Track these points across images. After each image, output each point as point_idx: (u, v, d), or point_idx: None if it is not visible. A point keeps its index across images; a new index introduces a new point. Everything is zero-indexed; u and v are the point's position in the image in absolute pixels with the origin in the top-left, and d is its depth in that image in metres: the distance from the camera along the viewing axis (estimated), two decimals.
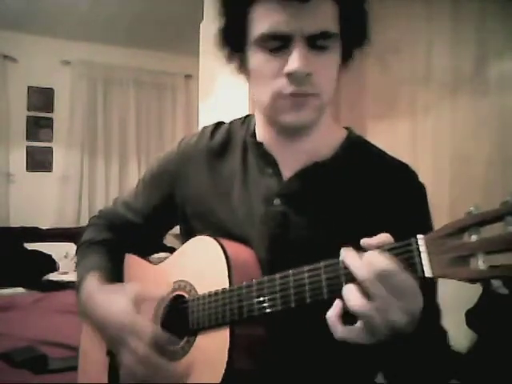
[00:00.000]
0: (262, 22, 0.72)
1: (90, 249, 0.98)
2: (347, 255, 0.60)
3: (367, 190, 0.79)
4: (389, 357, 0.69)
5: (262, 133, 0.86)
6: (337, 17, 0.73)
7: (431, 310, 0.63)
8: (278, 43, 0.71)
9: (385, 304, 0.56)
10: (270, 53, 0.72)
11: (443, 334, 0.78)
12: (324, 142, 0.83)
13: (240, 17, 0.74)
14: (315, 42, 0.71)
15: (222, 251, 0.76)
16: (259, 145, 0.85)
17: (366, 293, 0.58)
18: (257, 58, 0.75)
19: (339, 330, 0.59)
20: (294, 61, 0.70)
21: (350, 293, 0.59)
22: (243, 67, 0.79)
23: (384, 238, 0.60)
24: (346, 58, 0.79)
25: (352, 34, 0.76)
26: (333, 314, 0.60)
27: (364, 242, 0.60)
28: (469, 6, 2.55)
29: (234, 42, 0.78)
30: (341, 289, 0.61)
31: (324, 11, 0.71)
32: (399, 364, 0.69)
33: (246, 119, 0.92)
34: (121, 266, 0.98)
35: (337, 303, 0.61)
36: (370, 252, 0.58)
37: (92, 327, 0.89)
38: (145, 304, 0.82)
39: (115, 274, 0.94)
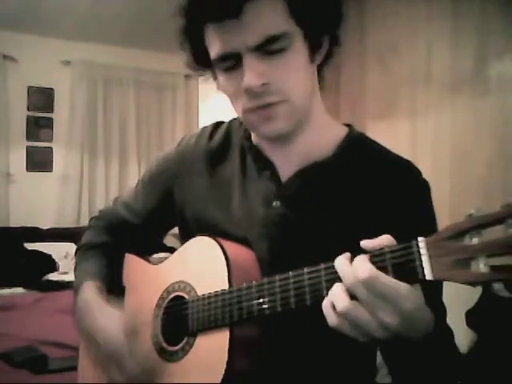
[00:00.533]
0: (211, 46, 0.72)
1: (89, 253, 0.98)
2: (338, 259, 0.60)
3: (369, 189, 0.78)
4: (394, 356, 0.68)
5: (255, 137, 0.85)
6: (286, 12, 0.69)
7: (437, 310, 0.63)
8: (231, 62, 0.71)
9: (371, 307, 0.56)
10: (227, 72, 0.73)
11: (449, 333, 0.76)
12: (322, 140, 0.81)
13: (199, 45, 0.75)
14: (266, 49, 0.69)
15: (221, 252, 0.76)
16: (254, 148, 0.84)
17: (353, 295, 0.58)
18: (220, 79, 0.76)
19: (333, 318, 0.59)
20: (246, 76, 0.69)
21: (337, 293, 0.59)
22: (219, 86, 0.80)
23: (385, 239, 0.59)
24: (316, 46, 0.75)
25: (312, 23, 0.71)
26: (327, 302, 0.60)
27: (364, 243, 0.59)
28: (469, 7, 2.55)
29: (205, 67, 0.79)
30: None
31: (264, 16, 0.68)
32: (406, 363, 0.69)
33: None
34: (120, 269, 0.98)
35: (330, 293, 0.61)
36: (358, 258, 0.58)
37: (84, 339, 0.90)
38: (138, 329, 0.83)
39: (113, 280, 0.94)
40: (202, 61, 0.77)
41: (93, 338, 0.83)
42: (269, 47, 0.69)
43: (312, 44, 0.74)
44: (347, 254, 0.60)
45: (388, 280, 0.56)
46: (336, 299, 0.58)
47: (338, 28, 0.76)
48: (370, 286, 0.56)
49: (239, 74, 0.70)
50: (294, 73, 0.72)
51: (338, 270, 0.59)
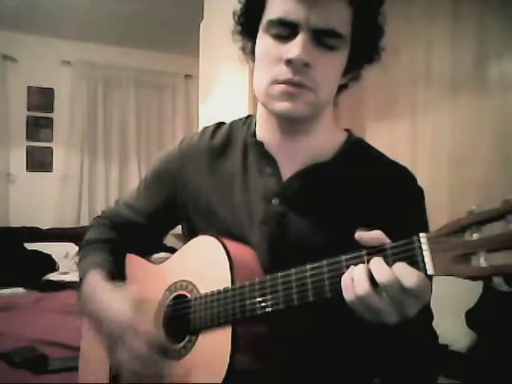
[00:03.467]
0: (275, 8, 0.73)
1: (93, 247, 0.98)
2: (374, 260, 0.60)
3: (366, 192, 0.80)
4: (382, 358, 0.71)
5: (262, 132, 0.86)
6: (349, 22, 0.73)
7: (424, 312, 0.64)
8: (285, 31, 0.72)
9: (398, 301, 0.58)
10: (275, 39, 0.74)
11: (434, 336, 0.79)
12: (324, 143, 0.83)
13: (259, 2, 0.76)
14: (321, 38, 0.72)
15: (224, 250, 0.76)
16: (259, 144, 0.85)
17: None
18: (263, 43, 0.76)
19: (350, 295, 0.60)
20: (295, 48, 0.71)
21: (359, 275, 0.59)
22: (253, 55, 0.81)
23: (376, 234, 0.61)
24: (352, 67, 0.79)
25: (362, 45, 0.76)
26: (348, 276, 0.61)
27: (358, 235, 0.61)
28: (469, 7, 2.55)
29: (249, 27, 0.79)
30: None
31: (336, 11, 0.71)
32: (391, 365, 0.71)
33: (247, 120, 0.92)
34: (123, 266, 0.98)
35: (352, 268, 0.61)
36: (400, 265, 0.58)
37: (91, 322, 0.90)
38: (145, 306, 0.82)
39: (118, 273, 0.94)
40: (250, 15, 0.78)
41: (99, 320, 0.83)
42: (324, 39, 0.72)
43: (353, 60, 0.77)
44: (380, 259, 0.60)
45: (425, 279, 0.57)
46: (357, 282, 0.59)
47: (373, 62, 0.80)
48: (408, 291, 0.57)
49: (287, 45, 0.72)
50: (332, 71, 0.76)
51: (377, 273, 0.59)
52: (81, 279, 0.93)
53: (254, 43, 0.79)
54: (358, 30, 0.74)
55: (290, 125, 0.80)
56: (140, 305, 0.80)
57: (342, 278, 0.61)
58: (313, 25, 0.70)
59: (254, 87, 0.81)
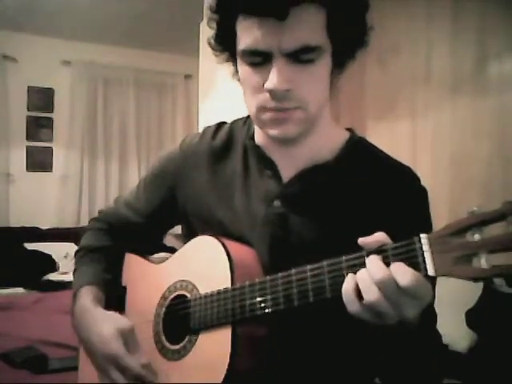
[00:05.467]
0: (243, 36, 0.71)
1: (87, 257, 0.98)
2: (370, 259, 0.60)
3: (368, 193, 0.79)
4: (383, 359, 0.70)
5: (260, 137, 0.86)
6: (324, 26, 0.70)
7: (428, 313, 0.64)
8: (259, 59, 0.71)
9: (397, 302, 0.58)
10: (251, 66, 0.73)
11: (438, 337, 0.79)
12: (324, 144, 0.83)
13: (227, 29, 0.74)
14: (297, 57, 0.69)
15: (224, 251, 0.76)
16: (258, 148, 0.85)
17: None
18: (242, 70, 0.75)
19: (355, 305, 0.59)
20: (272, 79, 0.69)
21: (364, 280, 0.59)
22: (236, 74, 0.80)
23: (380, 237, 0.61)
24: (340, 64, 0.77)
25: (343, 42, 0.74)
26: (349, 287, 0.60)
27: (361, 240, 0.61)
28: (469, 7, 2.55)
29: (226, 50, 0.79)
30: None
31: (306, 25, 0.68)
32: (392, 366, 0.71)
33: (248, 120, 0.92)
34: (119, 272, 0.99)
35: (352, 277, 0.61)
36: (395, 265, 0.58)
37: (81, 343, 0.90)
38: (133, 337, 0.82)
39: (112, 283, 0.95)
40: (224, 44, 0.77)
41: (90, 345, 0.84)
42: (301, 56, 0.70)
43: (337, 62, 0.76)
44: (379, 261, 0.60)
45: (425, 283, 0.57)
46: (365, 289, 0.59)
47: (360, 51, 0.77)
48: (406, 292, 0.57)
49: (264, 72, 0.71)
50: (316, 84, 0.74)
51: (372, 271, 0.58)
52: (73, 296, 0.93)
53: (235, 65, 0.79)
54: (335, 28, 0.71)
55: (286, 140, 0.80)
56: (128, 337, 0.81)
57: (344, 290, 0.60)
58: (285, 49, 0.69)
59: (247, 110, 0.81)
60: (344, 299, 0.60)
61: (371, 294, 0.58)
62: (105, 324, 0.82)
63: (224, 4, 0.74)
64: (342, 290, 0.61)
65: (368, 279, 0.58)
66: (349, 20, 0.72)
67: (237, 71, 0.79)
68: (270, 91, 0.70)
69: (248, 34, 0.70)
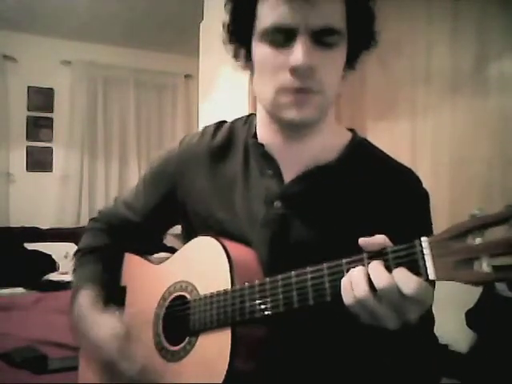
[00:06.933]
0: (267, 15, 0.71)
1: (86, 258, 0.98)
2: (373, 265, 0.59)
3: (369, 195, 0.78)
4: (381, 362, 0.70)
5: (263, 134, 0.85)
6: (344, 15, 0.72)
7: (426, 316, 0.64)
8: (283, 37, 0.70)
9: (398, 307, 0.57)
10: (274, 46, 0.72)
11: (435, 340, 0.79)
12: (327, 144, 0.82)
13: (247, 11, 0.74)
14: (320, 38, 0.70)
15: (224, 252, 0.76)
16: (260, 146, 0.84)
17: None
18: (261, 52, 0.74)
19: (349, 297, 0.60)
20: (298, 55, 0.69)
21: (358, 278, 0.59)
22: (248, 62, 0.79)
23: (381, 239, 0.60)
24: (352, 59, 0.78)
25: (359, 35, 0.75)
26: (347, 280, 0.60)
27: (362, 241, 0.60)
28: (469, 7, 2.54)
29: (241, 36, 0.77)
30: None
31: (330, 7, 0.70)
32: (389, 368, 0.71)
33: (248, 119, 0.91)
34: (118, 271, 0.98)
35: (352, 271, 0.61)
36: (399, 271, 0.57)
37: (82, 344, 0.91)
38: (133, 334, 0.83)
39: (111, 284, 0.95)
40: (241, 28, 0.76)
41: (87, 350, 0.85)
42: (324, 37, 0.70)
43: (350, 55, 0.76)
44: (380, 264, 0.60)
45: (425, 285, 0.56)
46: (356, 285, 0.59)
47: (370, 47, 0.79)
48: (408, 298, 0.56)
49: (286, 51, 0.70)
50: (335, 70, 0.74)
51: (375, 279, 0.58)
52: (72, 296, 0.93)
53: (247, 50, 0.78)
54: (353, 20, 0.73)
55: (295, 130, 0.79)
56: (128, 333, 0.81)
57: (342, 281, 0.61)
58: (311, 26, 0.69)
59: (258, 96, 0.79)
60: (341, 290, 0.60)
61: (360, 289, 0.58)
62: (100, 329, 0.83)
63: None
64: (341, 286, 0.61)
65: (360, 275, 0.59)
66: (364, 10, 0.74)
67: (247, 58, 0.78)
68: (295, 69, 0.70)
69: (273, 11, 0.70)
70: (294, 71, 0.70)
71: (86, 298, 0.89)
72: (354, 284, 0.59)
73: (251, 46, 0.76)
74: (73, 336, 0.91)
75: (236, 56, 0.80)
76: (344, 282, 0.61)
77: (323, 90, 0.73)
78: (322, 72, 0.71)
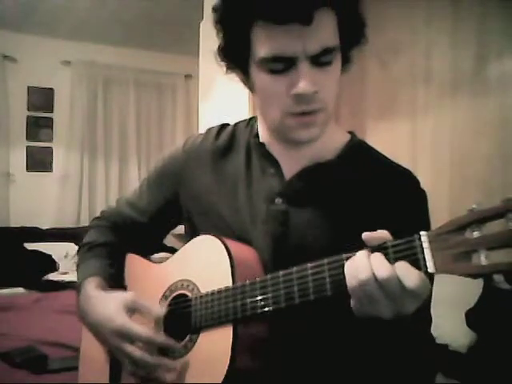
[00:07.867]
0: (264, 43, 0.71)
1: (91, 252, 0.98)
2: (374, 256, 0.60)
3: (368, 193, 0.80)
4: (378, 360, 0.71)
5: (264, 135, 0.87)
6: (336, 29, 0.73)
7: (423, 316, 0.64)
8: (282, 65, 0.71)
9: (397, 299, 0.59)
10: (274, 74, 0.72)
11: (432, 340, 0.80)
12: (327, 145, 0.84)
13: (241, 38, 0.74)
14: (318, 60, 0.71)
15: (225, 250, 0.76)
16: (262, 145, 0.86)
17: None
18: (261, 79, 0.75)
19: (352, 280, 0.60)
20: (302, 83, 0.70)
21: (362, 261, 0.60)
22: (247, 82, 0.80)
23: (384, 234, 0.61)
24: (346, 62, 0.79)
25: (351, 40, 0.76)
26: (351, 262, 0.62)
27: (366, 235, 0.61)
28: (469, 7, 2.54)
29: (236, 59, 0.78)
30: (345, 285, 0.62)
31: (325, 27, 0.70)
32: (386, 367, 0.72)
33: (250, 121, 0.93)
34: (122, 269, 0.99)
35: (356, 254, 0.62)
36: (401, 264, 0.58)
37: (89, 330, 0.90)
38: (139, 308, 0.83)
39: (116, 278, 0.95)
40: (235, 54, 0.77)
41: (99, 327, 0.84)
42: (321, 58, 0.71)
43: (345, 59, 0.78)
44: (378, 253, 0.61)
45: (425, 279, 0.57)
46: (360, 267, 0.60)
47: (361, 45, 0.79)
48: (399, 285, 0.58)
49: (287, 78, 0.71)
50: (334, 84, 0.76)
51: (377, 269, 0.59)
52: (78, 289, 0.93)
53: (245, 74, 0.78)
54: (345, 31, 0.74)
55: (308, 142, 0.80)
56: (133, 308, 0.81)
57: (346, 264, 0.62)
58: (310, 52, 0.70)
59: (263, 117, 0.81)
60: (345, 272, 0.61)
61: (363, 272, 0.59)
62: (108, 303, 0.83)
63: (237, 12, 0.73)
64: (345, 270, 0.62)
65: (364, 259, 0.60)
66: (353, 18, 0.74)
67: (246, 79, 0.79)
68: (300, 95, 0.71)
69: (270, 40, 0.70)
70: (299, 97, 0.71)
71: (91, 286, 0.90)
72: (359, 267, 0.60)
73: (248, 66, 0.77)
74: (83, 323, 0.91)
75: (230, 71, 0.81)
76: (348, 264, 0.62)
77: (326, 107, 0.75)
78: (323, 91, 0.73)
